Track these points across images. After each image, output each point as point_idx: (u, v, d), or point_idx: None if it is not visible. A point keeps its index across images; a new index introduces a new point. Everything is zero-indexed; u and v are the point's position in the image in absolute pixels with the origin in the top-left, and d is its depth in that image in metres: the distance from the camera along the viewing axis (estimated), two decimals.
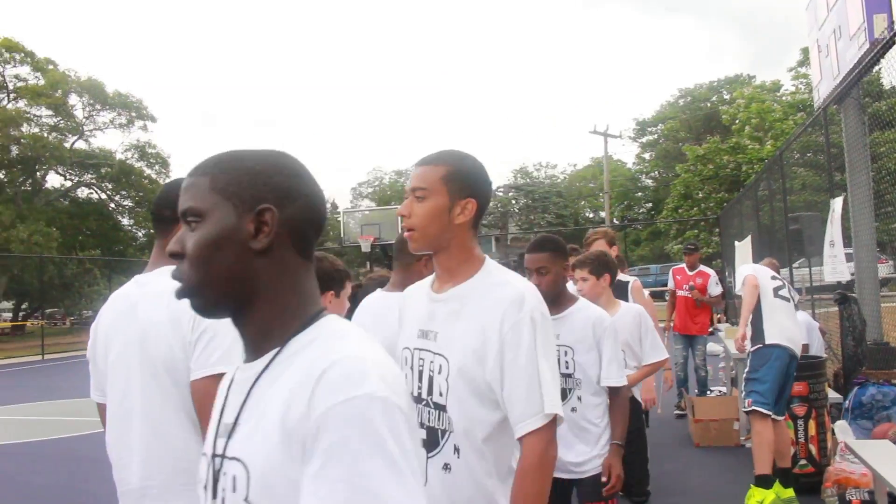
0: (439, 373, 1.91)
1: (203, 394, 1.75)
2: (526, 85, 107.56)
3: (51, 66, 31.41)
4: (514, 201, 48.06)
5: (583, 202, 52.87)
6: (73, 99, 31.38)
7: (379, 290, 3.20)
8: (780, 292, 5.21)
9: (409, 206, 1.87)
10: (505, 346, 1.80)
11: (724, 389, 8.62)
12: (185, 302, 1.13)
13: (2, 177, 31.66)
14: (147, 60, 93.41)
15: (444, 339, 1.90)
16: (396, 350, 2.04)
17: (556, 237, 3.24)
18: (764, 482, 4.73)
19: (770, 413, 4.80)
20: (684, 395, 8.03)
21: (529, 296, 1.85)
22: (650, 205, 46.85)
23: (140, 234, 34.92)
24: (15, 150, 29.98)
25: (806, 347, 7.43)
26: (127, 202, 34.35)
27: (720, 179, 32.14)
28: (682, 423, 7.69)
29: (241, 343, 1.13)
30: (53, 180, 33.75)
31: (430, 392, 1.93)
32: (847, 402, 5.77)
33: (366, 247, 24.92)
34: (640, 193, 48.94)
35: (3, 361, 20.85)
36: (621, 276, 4.58)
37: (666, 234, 36.98)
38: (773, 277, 5.31)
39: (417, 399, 1.94)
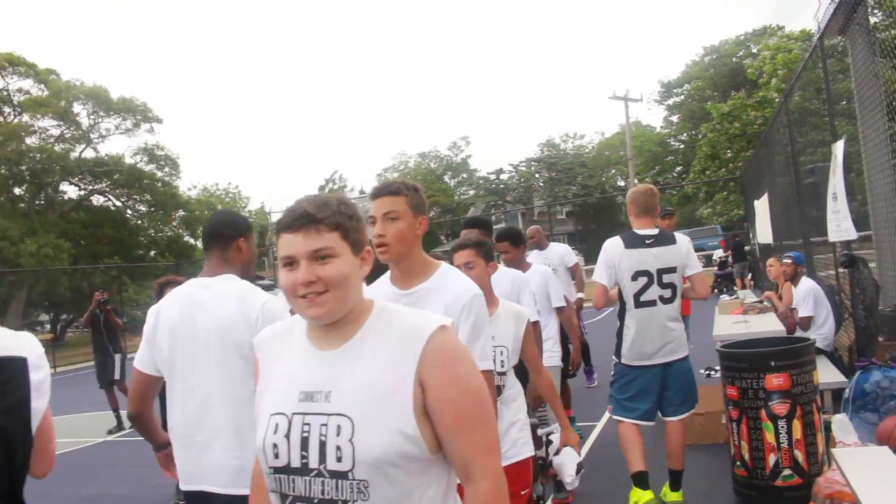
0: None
1: None
2: (548, 56, 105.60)
3: (53, 77, 31.02)
4: (537, 175, 46.79)
5: (612, 171, 51.39)
6: (77, 107, 30.92)
7: None
8: (645, 296, 4.37)
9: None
10: None
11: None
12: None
13: (18, 192, 31.43)
14: (147, 64, 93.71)
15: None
16: None
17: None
18: (638, 481, 4.39)
19: (631, 421, 4.47)
20: None
21: None
22: (680, 168, 45.16)
23: (158, 237, 34.49)
24: (24, 164, 29.62)
25: (807, 321, 6.36)
26: (142, 207, 33.95)
27: (748, 137, 30.52)
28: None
29: None
30: (69, 192, 33.43)
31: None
32: (848, 390, 4.71)
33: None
34: (669, 157, 47.19)
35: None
36: None
37: (695, 198, 35.49)
38: (639, 272, 4.36)
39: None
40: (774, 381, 4.18)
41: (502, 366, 3.15)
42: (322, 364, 1.55)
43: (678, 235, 4.66)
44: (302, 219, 1.50)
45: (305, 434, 1.49)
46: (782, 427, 4.16)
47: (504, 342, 3.19)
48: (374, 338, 1.54)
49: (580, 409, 7.28)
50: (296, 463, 1.50)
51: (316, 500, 1.47)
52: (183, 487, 2.64)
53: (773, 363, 4.21)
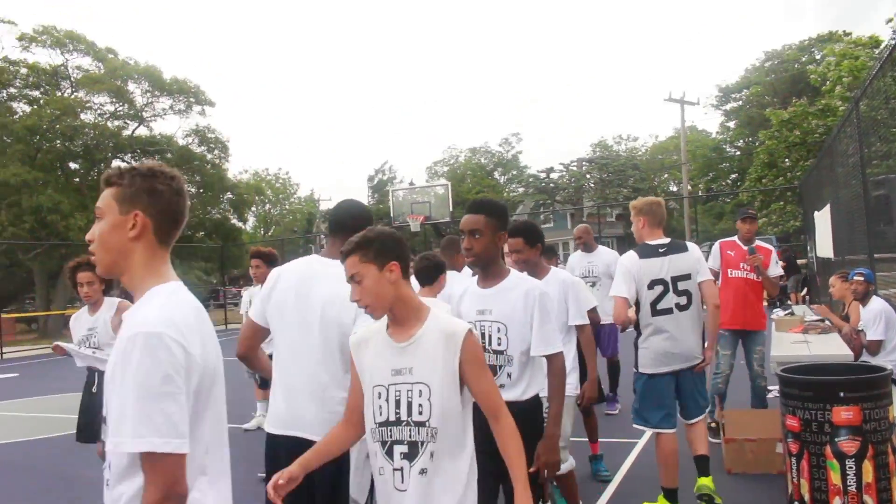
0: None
1: None
2: (604, 56, 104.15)
3: (111, 56, 31.37)
4: (588, 175, 46.05)
5: (665, 175, 50.40)
6: (132, 86, 31.23)
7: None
8: (661, 304, 4.47)
9: None
10: None
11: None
12: None
13: (73, 167, 31.86)
14: (202, 47, 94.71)
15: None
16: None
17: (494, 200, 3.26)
18: (667, 493, 4.51)
19: (655, 429, 4.55)
20: (716, 409, 6.32)
21: None
22: (735, 175, 43.97)
23: (205, 218, 34.61)
24: (79, 139, 29.97)
25: (877, 345, 5.85)
26: (191, 188, 34.16)
27: (808, 146, 29.42)
28: (713, 445, 6.11)
29: None
30: None
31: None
32: None
33: (415, 226, 23.50)
34: (724, 164, 45.99)
35: None
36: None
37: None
38: (655, 281, 4.47)
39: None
40: (843, 414, 3.73)
41: (420, 413, 2.21)
42: None
43: (689, 244, 4.74)
44: None
45: None
46: (850, 468, 3.70)
47: (424, 377, 2.23)
48: None
49: (617, 426, 6.85)
50: None
51: None
52: (273, 430, 2.85)
53: (842, 394, 3.75)
